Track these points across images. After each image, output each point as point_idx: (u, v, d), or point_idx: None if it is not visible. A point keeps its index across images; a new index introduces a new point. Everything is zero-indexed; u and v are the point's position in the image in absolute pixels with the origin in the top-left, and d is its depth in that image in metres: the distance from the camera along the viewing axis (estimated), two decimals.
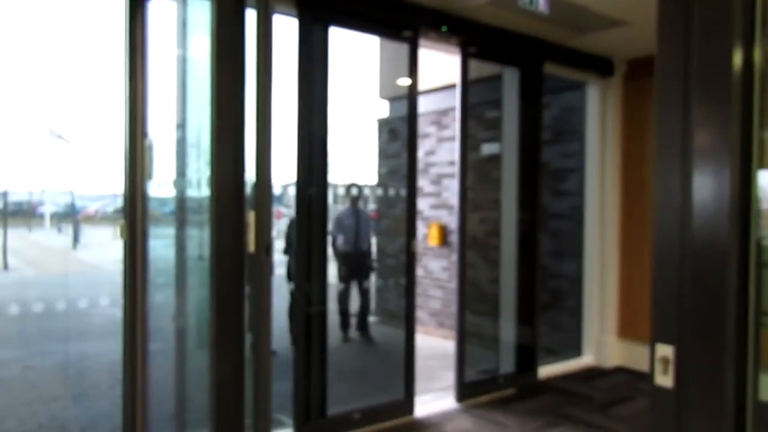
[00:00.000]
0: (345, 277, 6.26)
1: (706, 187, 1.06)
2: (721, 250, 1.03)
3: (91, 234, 16.29)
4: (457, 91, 4.54)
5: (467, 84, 4.50)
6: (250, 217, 2.25)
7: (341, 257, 6.19)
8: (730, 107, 1.03)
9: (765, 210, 1.06)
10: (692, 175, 1.08)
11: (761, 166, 1.05)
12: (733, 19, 1.02)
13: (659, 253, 1.11)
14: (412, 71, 4.06)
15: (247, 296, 2.38)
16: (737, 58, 1.03)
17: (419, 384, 4.61)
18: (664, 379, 1.05)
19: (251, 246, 2.25)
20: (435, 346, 6.13)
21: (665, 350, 1.06)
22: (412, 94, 4.12)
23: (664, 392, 1.05)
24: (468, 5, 3.94)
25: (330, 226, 5.66)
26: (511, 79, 4.86)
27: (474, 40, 4.37)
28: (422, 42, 4.26)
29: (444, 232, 6.61)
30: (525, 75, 4.84)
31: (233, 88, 2.28)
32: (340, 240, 6.18)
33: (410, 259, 4.11)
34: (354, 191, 6.25)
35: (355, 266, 6.33)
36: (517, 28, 4.42)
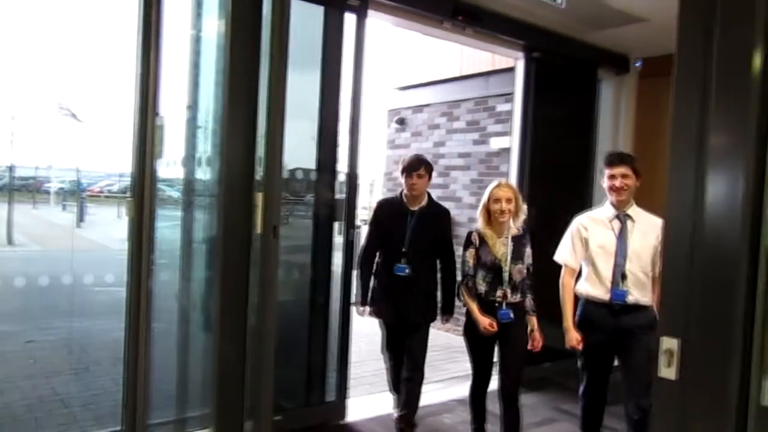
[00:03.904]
0: (594, 358, 3.12)
1: (720, 187, 1.06)
2: (732, 249, 1.03)
3: (95, 212, 16.34)
4: (519, 97, 4.67)
5: (529, 89, 4.64)
6: (258, 198, 2.26)
7: (591, 310, 3.08)
8: (747, 109, 1.03)
9: None
10: (706, 175, 1.08)
11: None
12: (755, 19, 1.02)
13: (670, 249, 1.11)
14: (359, 44, 3.70)
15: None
16: (757, 59, 1.02)
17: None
18: (668, 372, 1.06)
19: (258, 227, 2.26)
20: (438, 337, 6.14)
21: (670, 343, 1.07)
22: (357, 69, 3.72)
23: (668, 384, 1.07)
24: None
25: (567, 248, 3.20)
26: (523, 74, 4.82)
27: (539, 46, 4.56)
28: (485, 44, 4.44)
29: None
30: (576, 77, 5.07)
31: (248, 69, 2.28)
32: (591, 284, 3.09)
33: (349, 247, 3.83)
34: (617, 179, 3.03)
35: (615, 333, 2.99)
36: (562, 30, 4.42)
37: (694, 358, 1.05)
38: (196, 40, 3.12)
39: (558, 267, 3.26)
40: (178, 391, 3.23)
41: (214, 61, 2.86)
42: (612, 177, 3.05)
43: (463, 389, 4.49)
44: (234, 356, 2.43)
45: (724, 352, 1.01)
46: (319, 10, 3.56)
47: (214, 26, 2.88)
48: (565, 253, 3.22)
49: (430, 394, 4.37)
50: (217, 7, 2.83)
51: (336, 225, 3.76)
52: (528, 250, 3.28)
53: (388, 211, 3.65)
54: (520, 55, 4.69)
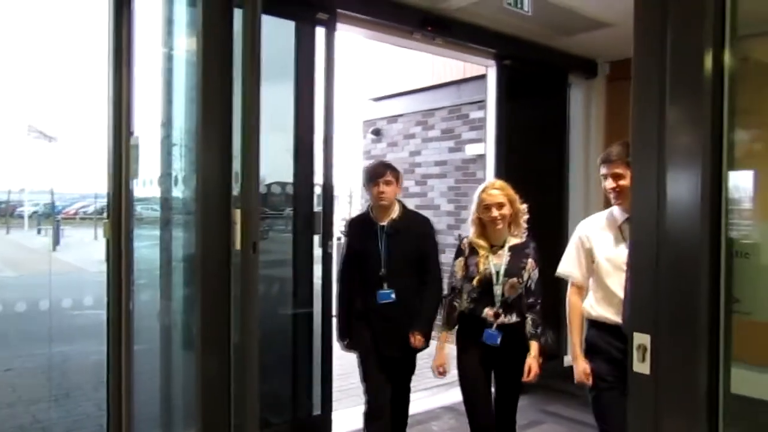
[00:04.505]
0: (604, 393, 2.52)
1: (680, 185, 1.11)
2: (694, 245, 1.07)
3: (71, 235, 16.09)
4: (492, 104, 4.71)
5: (502, 96, 4.68)
6: (236, 214, 2.26)
7: (597, 335, 2.57)
8: (701, 110, 1.07)
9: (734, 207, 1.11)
10: (666, 174, 1.12)
11: (731, 167, 1.09)
12: (705, 24, 1.06)
13: (636, 247, 1.15)
14: (329, 57, 3.70)
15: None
16: (708, 61, 1.07)
17: None
18: (641, 367, 1.09)
19: (237, 244, 2.26)
20: None
21: (642, 339, 1.10)
22: (328, 81, 3.71)
23: (642, 378, 1.10)
24: (449, 5, 3.98)
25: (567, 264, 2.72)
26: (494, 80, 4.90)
27: (509, 53, 4.62)
28: (455, 53, 4.44)
29: None
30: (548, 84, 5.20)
31: (221, 85, 2.29)
32: (598, 303, 2.58)
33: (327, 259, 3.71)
34: (608, 179, 2.58)
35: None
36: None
37: (665, 353, 1.09)
38: (168, 58, 3.12)
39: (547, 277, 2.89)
40: (162, 412, 3.19)
41: (187, 77, 2.87)
42: (604, 177, 2.58)
43: (449, 396, 4.51)
44: (218, 374, 2.42)
45: (693, 345, 1.05)
46: (290, 25, 3.59)
47: (185, 43, 2.89)
48: (569, 265, 2.70)
49: (417, 402, 4.36)
50: (188, 24, 2.84)
51: (316, 238, 3.76)
52: (530, 262, 2.81)
53: (357, 230, 3.23)
54: (492, 62, 4.76)
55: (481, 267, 2.79)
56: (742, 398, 1.07)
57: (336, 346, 3.79)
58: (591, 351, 2.60)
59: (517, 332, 2.76)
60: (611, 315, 2.49)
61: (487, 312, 2.76)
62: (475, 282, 2.79)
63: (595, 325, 2.59)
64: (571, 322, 2.68)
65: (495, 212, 2.77)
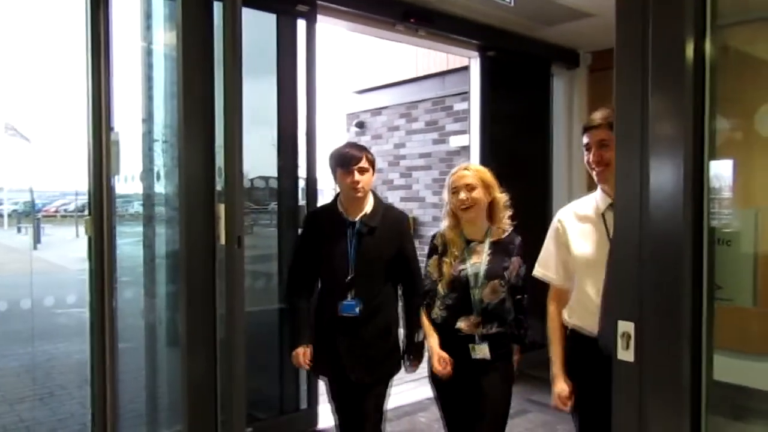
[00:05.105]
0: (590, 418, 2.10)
1: (663, 174, 1.11)
2: (676, 232, 1.09)
3: (52, 233, 15.89)
4: (475, 96, 4.72)
5: (485, 87, 4.69)
6: (220, 209, 2.24)
7: (576, 348, 2.15)
8: (683, 99, 1.08)
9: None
10: (649, 163, 1.13)
11: (713, 155, 1.10)
12: (686, 13, 1.07)
13: (620, 235, 1.16)
14: (310, 49, 3.70)
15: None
16: (689, 51, 1.08)
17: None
18: (626, 354, 1.11)
19: (222, 239, 2.25)
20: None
21: (626, 326, 1.11)
22: (310, 74, 3.69)
23: (626, 366, 1.11)
24: None
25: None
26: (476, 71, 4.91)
27: (492, 44, 4.63)
28: (439, 45, 4.47)
29: (415, 224, 6.67)
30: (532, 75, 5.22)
31: (202, 80, 2.26)
32: (574, 309, 2.18)
33: None
34: (592, 150, 2.06)
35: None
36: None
37: (649, 340, 1.10)
38: (148, 53, 3.08)
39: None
40: (148, 410, 3.17)
41: (168, 72, 2.83)
42: (587, 147, 2.05)
43: None
44: (204, 371, 2.40)
45: (676, 332, 1.06)
46: (270, 18, 3.56)
47: (165, 37, 2.85)
48: (545, 265, 2.22)
49: (405, 394, 4.39)
50: (167, 18, 2.80)
51: (300, 232, 3.75)
52: (515, 261, 2.40)
53: (320, 226, 2.62)
54: (475, 54, 4.76)
55: (446, 268, 2.37)
56: (723, 384, 1.08)
57: None
58: (572, 368, 2.13)
59: (499, 343, 2.37)
60: (589, 325, 1.98)
61: (462, 325, 2.33)
62: (440, 287, 2.38)
63: (572, 337, 2.12)
64: (549, 335, 2.19)
65: (463, 194, 2.33)
